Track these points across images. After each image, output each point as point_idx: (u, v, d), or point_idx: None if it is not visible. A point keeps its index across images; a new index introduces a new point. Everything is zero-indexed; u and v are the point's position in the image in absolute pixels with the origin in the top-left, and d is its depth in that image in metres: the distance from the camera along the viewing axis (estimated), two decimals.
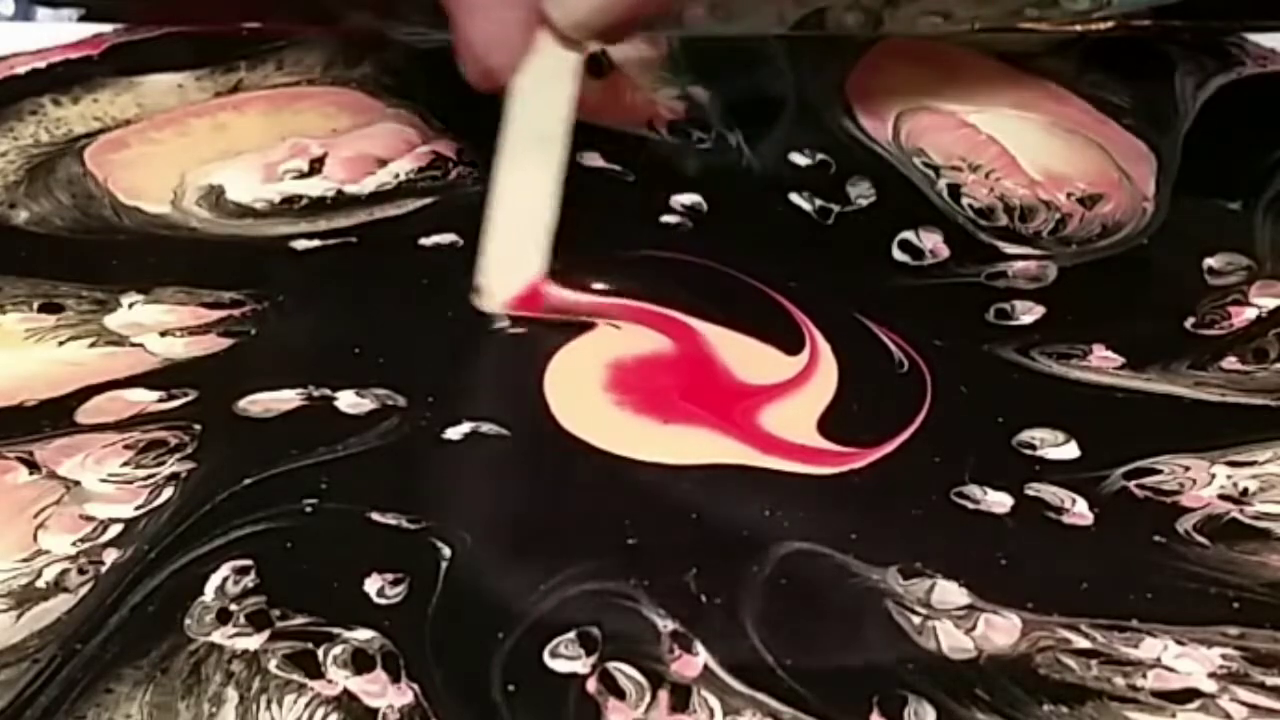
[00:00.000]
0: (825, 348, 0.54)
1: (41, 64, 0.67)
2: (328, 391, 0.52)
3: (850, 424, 0.51)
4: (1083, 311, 0.56)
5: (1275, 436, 0.51)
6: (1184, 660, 0.43)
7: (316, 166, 0.62)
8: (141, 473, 0.49)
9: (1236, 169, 0.63)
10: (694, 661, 0.43)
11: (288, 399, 0.52)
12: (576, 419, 0.51)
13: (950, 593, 0.45)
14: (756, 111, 0.66)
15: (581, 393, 0.52)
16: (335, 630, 0.44)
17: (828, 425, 0.51)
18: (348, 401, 0.51)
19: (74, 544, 0.46)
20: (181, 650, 0.43)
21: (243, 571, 0.45)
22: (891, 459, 0.50)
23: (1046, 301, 0.57)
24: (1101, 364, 0.54)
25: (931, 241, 0.60)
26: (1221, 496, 0.49)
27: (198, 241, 0.59)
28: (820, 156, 0.64)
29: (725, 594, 0.45)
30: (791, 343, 0.54)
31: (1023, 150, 0.64)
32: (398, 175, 0.62)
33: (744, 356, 0.54)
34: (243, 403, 0.51)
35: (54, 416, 0.51)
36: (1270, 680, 0.43)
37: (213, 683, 0.42)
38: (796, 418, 0.51)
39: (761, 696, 0.42)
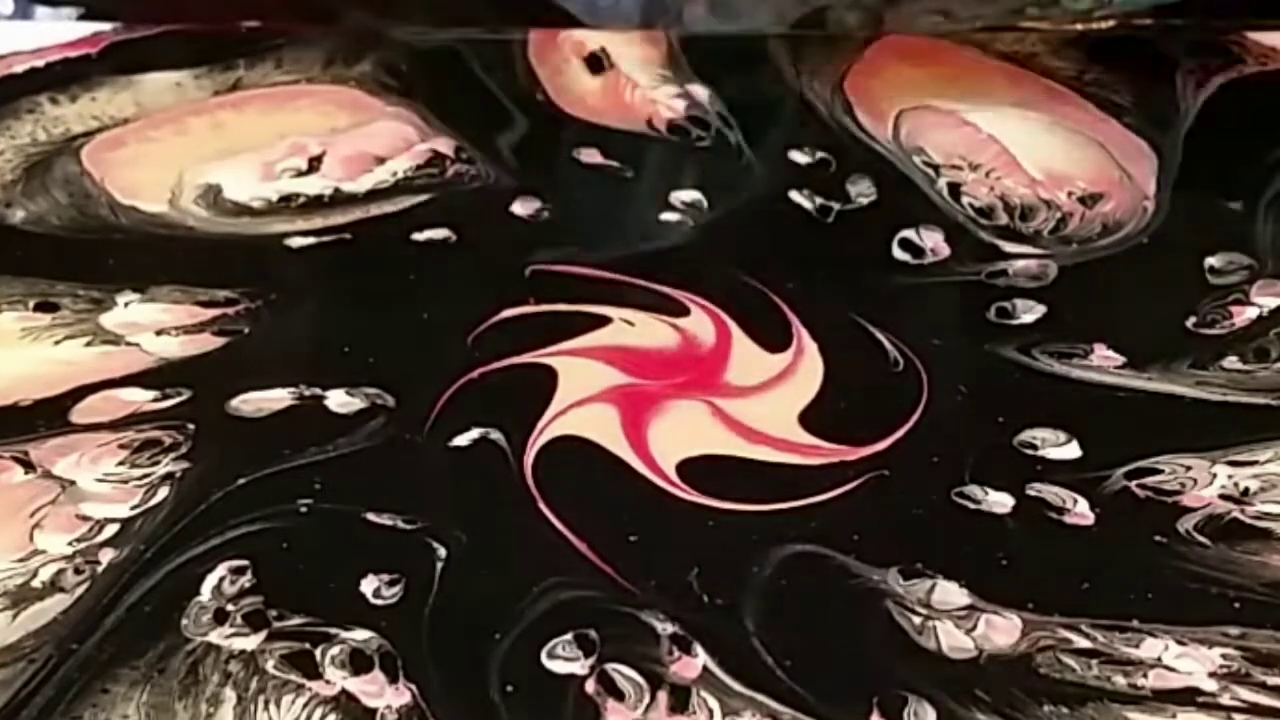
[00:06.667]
0: (811, 345, 0.54)
1: (40, 63, 0.67)
2: (318, 391, 0.52)
3: (837, 421, 0.51)
4: (1083, 310, 0.56)
5: (1276, 436, 0.50)
6: (1185, 660, 0.43)
7: (315, 165, 0.62)
8: (137, 472, 0.49)
9: (1237, 167, 0.63)
10: (693, 663, 0.43)
11: (279, 398, 0.51)
12: (575, 416, 0.51)
13: (951, 593, 0.45)
14: (756, 110, 0.66)
15: (581, 389, 0.52)
16: (333, 630, 0.44)
17: (810, 421, 0.51)
18: (338, 401, 0.51)
19: (70, 544, 0.46)
20: (179, 650, 0.43)
21: (239, 571, 0.45)
22: (890, 458, 0.50)
23: (1047, 300, 0.57)
24: (1102, 363, 0.54)
25: (932, 240, 0.59)
26: (1222, 496, 0.48)
27: (194, 240, 0.59)
28: (820, 155, 0.64)
29: (725, 594, 0.45)
30: (778, 340, 0.54)
31: (1023, 149, 0.64)
32: (395, 173, 0.62)
33: (730, 352, 0.53)
34: (235, 402, 0.51)
35: (49, 416, 0.51)
36: (1271, 680, 0.43)
37: (210, 683, 0.42)
38: (778, 413, 0.51)
39: (761, 697, 0.42)
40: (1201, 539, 0.47)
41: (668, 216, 0.61)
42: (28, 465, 0.49)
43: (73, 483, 0.48)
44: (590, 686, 0.42)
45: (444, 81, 0.68)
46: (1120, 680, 0.43)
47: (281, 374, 0.52)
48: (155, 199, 0.61)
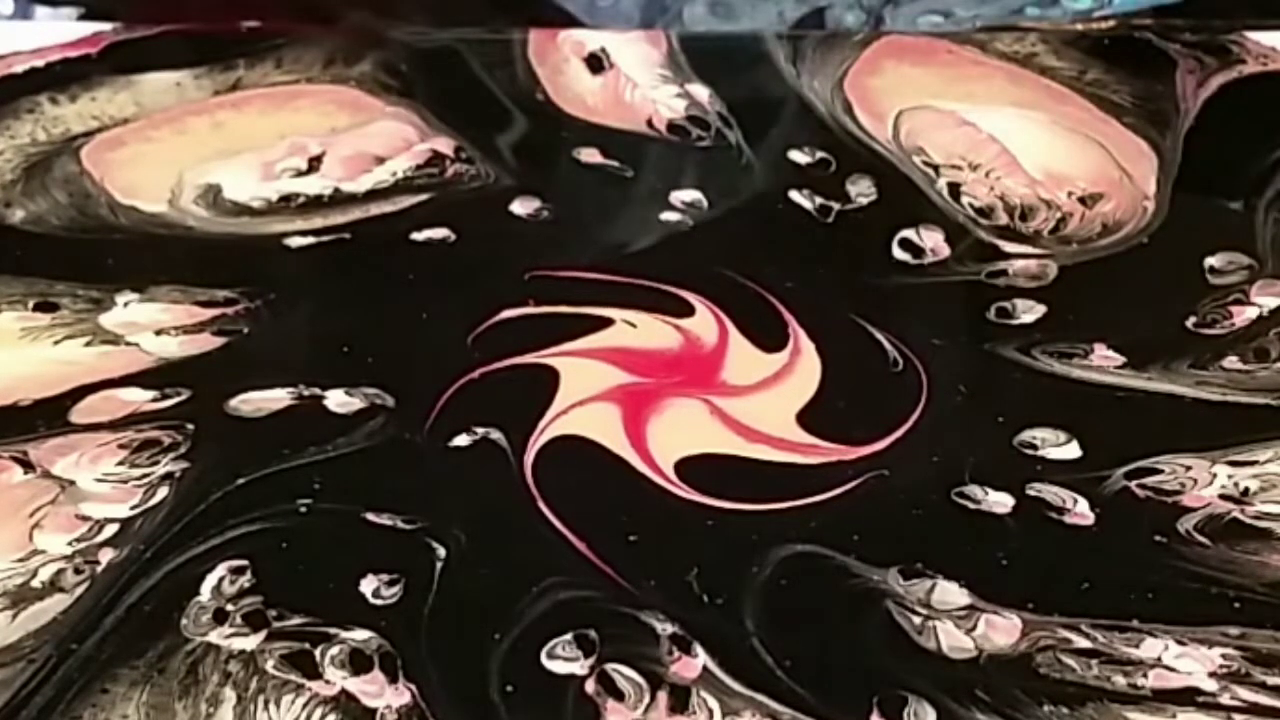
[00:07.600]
0: (809, 345, 0.54)
1: (40, 63, 0.67)
2: (317, 390, 0.52)
3: (836, 421, 0.51)
4: (1083, 310, 0.56)
5: (1276, 436, 0.50)
6: (1184, 660, 0.43)
7: (315, 165, 0.62)
8: (136, 472, 0.48)
9: (1237, 167, 0.63)
10: (693, 663, 0.43)
11: (278, 398, 0.51)
12: (577, 416, 0.51)
13: (950, 593, 0.45)
14: (756, 110, 0.66)
15: (583, 389, 0.52)
16: (332, 630, 0.44)
17: (809, 421, 0.51)
18: (337, 400, 0.51)
19: (70, 544, 0.46)
20: (178, 650, 0.43)
21: (239, 571, 0.45)
22: (890, 458, 0.50)
23: (1047, 300, 0.57)
24: (1102, 363, 0.54)
25: (932, 240, 0.59)
26: (1222, 496, 0.48)
27: (194, 240, 0.59)
28: (820, 154, 0.64)
29: (725, 595, 0.45)
30: (776, 339, 0.54)
31: (1023, 149, 0.64)
32: (395, 173, 0.62)
33: (727, 351, 0.53)
34: (234, 402, 0.51)
35: (48, 416, 0.51)
36: (1271, 680, 0.43)
37: (210, 683, 0.42)
38: (776, 412, 0.51)
39: (761, 697, 0.42)
40: (1201, 539, 0.47)
41: (668, 216, 0.61)
42: (27, 465, 0.49)
43: (72, 483, 0.48)
44: (590, 686, 0.42)
45: (444, 81, 0.68)
46: (1120, 680, 0.43)
47: (281, 374, 0.52)
48: (155, 199, 0.61)
